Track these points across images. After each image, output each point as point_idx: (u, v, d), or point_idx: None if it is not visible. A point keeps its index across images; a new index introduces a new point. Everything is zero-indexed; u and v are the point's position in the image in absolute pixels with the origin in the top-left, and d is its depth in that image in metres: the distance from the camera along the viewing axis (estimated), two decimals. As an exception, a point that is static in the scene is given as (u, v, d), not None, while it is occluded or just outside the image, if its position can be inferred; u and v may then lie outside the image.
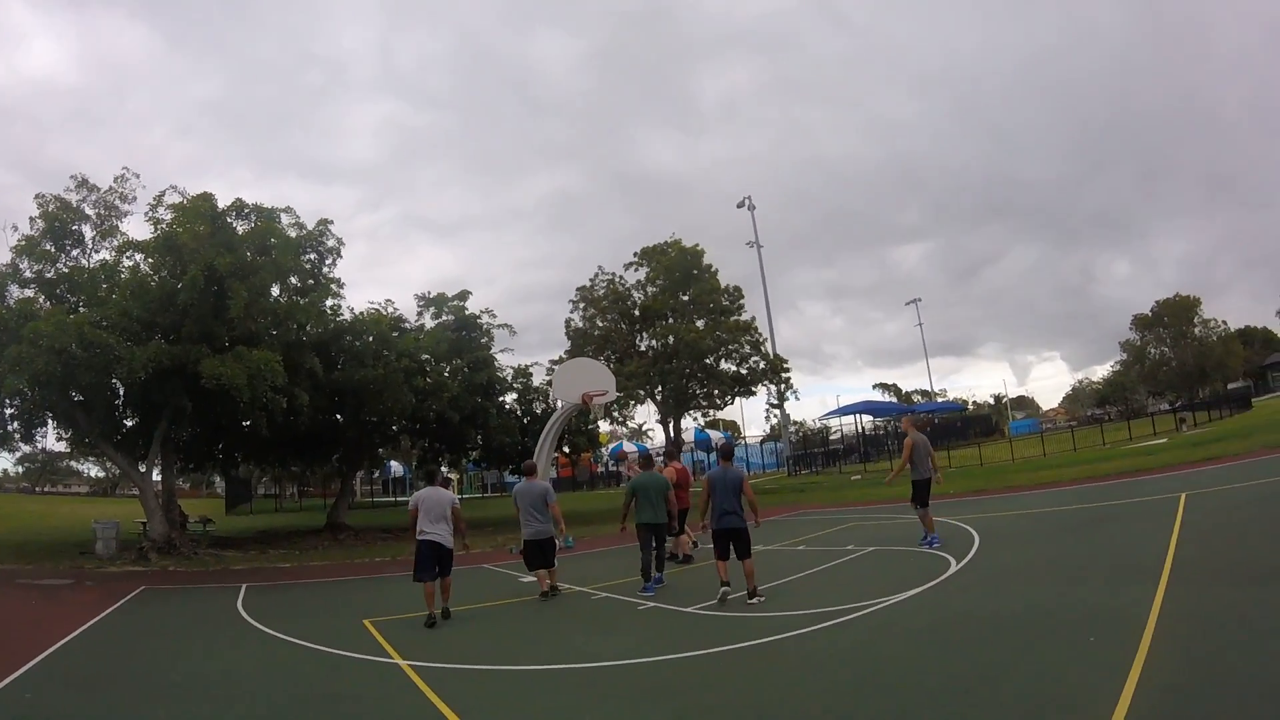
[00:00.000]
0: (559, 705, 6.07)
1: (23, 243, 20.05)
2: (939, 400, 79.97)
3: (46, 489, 77.98)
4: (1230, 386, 66.96)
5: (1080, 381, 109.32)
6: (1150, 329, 76.75)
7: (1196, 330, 74.16)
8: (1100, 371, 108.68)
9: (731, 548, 9.67)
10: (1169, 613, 6.61)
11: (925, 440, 13.80)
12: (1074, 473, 24.22)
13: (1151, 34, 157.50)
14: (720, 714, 5.49)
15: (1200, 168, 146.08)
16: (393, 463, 57.06)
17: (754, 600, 9.28)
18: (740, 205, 49.96)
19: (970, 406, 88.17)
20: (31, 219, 20.37)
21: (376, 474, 57.51)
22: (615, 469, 58.31)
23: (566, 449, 32.45)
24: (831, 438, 54.55)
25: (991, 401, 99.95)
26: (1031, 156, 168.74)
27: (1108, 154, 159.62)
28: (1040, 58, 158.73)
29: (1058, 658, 5.87)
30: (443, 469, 35.31)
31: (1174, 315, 74.02)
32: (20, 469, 78.69)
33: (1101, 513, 14.74)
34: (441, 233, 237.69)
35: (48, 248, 20.25)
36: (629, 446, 61.10)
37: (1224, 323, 75.75)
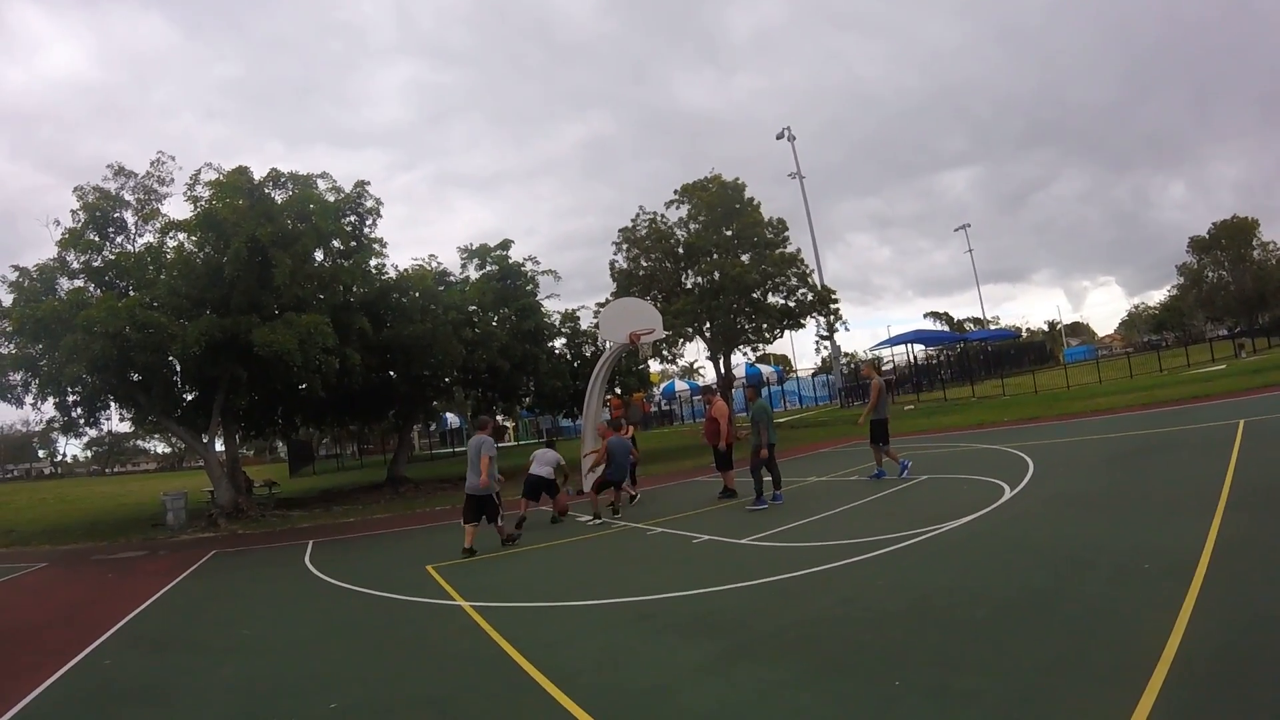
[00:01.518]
0: (614, 639, 6.25)
1: (67, 236, 20.45)
2: (992, 328, 78.63)
3: (116, 469, 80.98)
4: (1290, 312, 64.72)
5: (1136, 307, 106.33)
6: (1208, 252, 74.07)
7: (1255, 254, 71.37)
8: (1157, 297, 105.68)
9: None
10: (1225, 542, 6.49)
11: (883, 383, 15.29)
12: (1130, 400, 23.78)
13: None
14: (772, 643, 5.58)
15: (1256, 87, 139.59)
16: (448, 415, 58.06)
17: None
18: (780, 137, 49.14)
19: (1024, 334, 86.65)
20: (73, 211, 20.77)
21: (433, 427, 58.63)
22: (668, 408, 58.57)
23: (619, 390, 32.68)
24: (884, 368, 54.08)
25: (1045, 328, 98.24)
26: (1080, 78, 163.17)
27: (1159, 75, 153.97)
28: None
29: (1110, 588, 5.82)
30: (496, 416, 35.86)
31: (1231, 238, 71.24)
32: (89, 453, 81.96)
33: (1158, 440, 14.48)
34: (477, 188, 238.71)
35: (92, 237, 20.63)
36: (681, 385, 61.37)
37: (1284, 246, 72.86)
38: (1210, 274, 74.47)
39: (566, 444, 39.20)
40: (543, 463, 13.89)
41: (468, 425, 55.54)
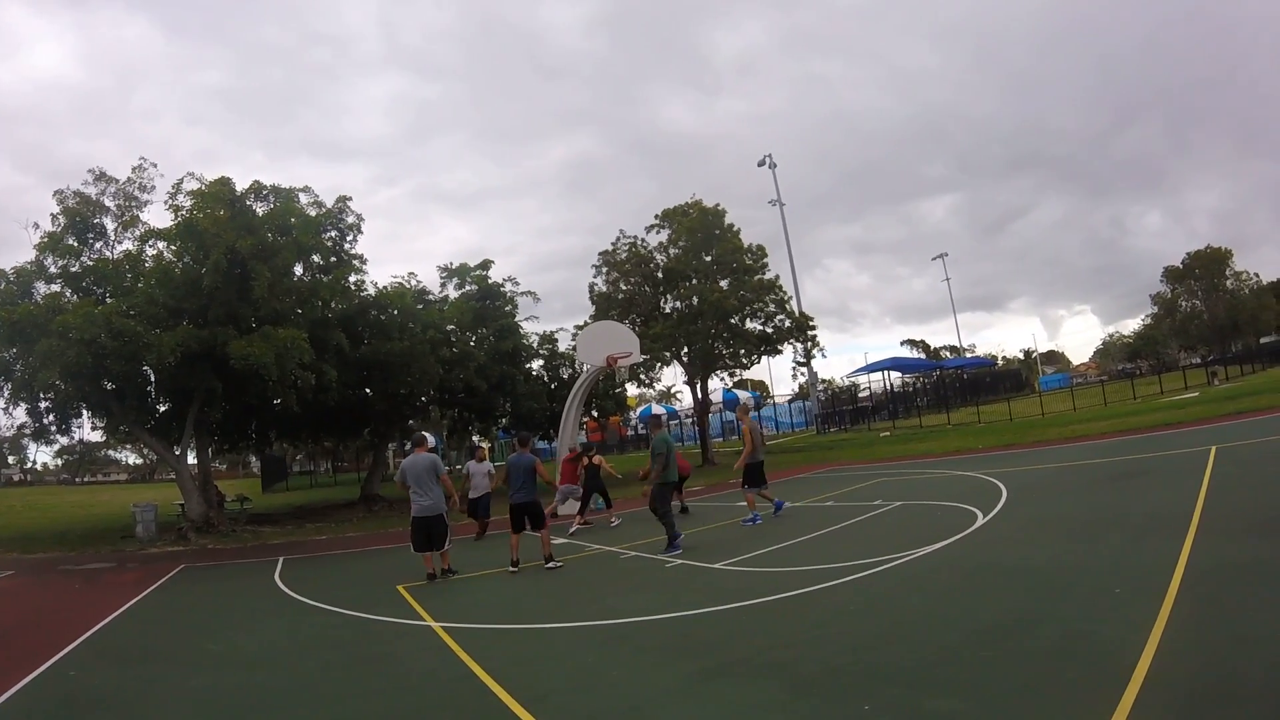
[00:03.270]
0: (587, 662, 6.19)
1: (46, 239, 20.24)
2: (968, 355, 79.30)
3: (86, 479, 79.76)
4: (1262, 340, 65.72)
5: (1111, 336, 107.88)
6: (1182, 281, 75.25)
7: (1229, 283, 72.62)
8: (1132, 325, 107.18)
9: None
10: (1196, 566, 6.56)
11: (758, 425, 15.28)
12: (1104, 427, 24.03)
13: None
14: (747, 667, 5.54)
15: (1233, 118, 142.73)
16: (424, 433, 57.67)
17: None
18: (761, 164, 49.58)
19: (1000, 362, 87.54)
20: (53, 215, 20.57)
21: (408, 445, 58.06)
22: (643, 432, 58.46)
23: (595, 413, 32.62)
24: (860, 395, 54.36)
25: (1021, 356, 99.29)
26: (1059, 107, 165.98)
27: (1138, 104, 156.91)
28: (1069, 5, 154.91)
29: (1083, 610, 5.86)
30: (472, 436, 35.65)
31: (1206, 267, 72.46)
32: (60, 461, 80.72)
33: (1131, 467, 14.60)
34: (459, 205, 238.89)
35: (71, 242, 20.42)
36: (658, 408, 61.33)
37: (1256, 275, 74.27)
38: (1184, 303, 75.64)
39: (544, 465, 39.07)
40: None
41: (444, 445, 55.12)
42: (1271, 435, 15.58)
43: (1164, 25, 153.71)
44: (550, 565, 10.80)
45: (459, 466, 54.85)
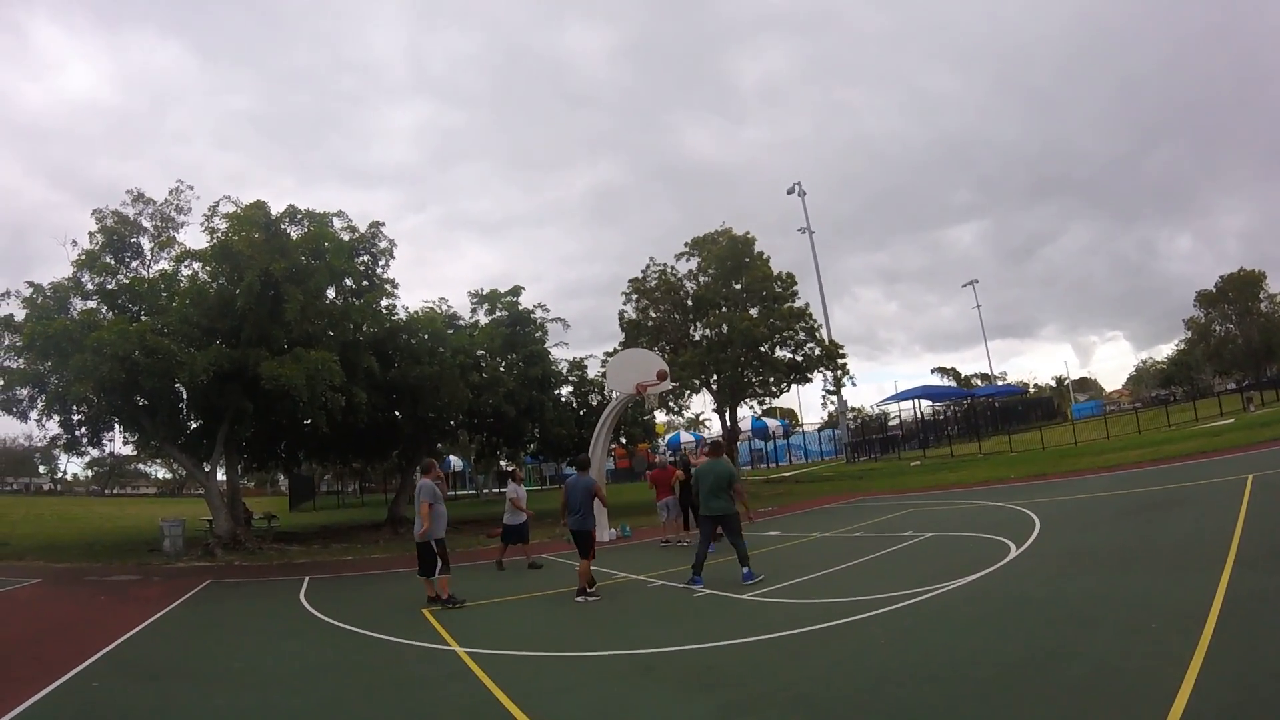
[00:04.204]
0: (611, 692, 6.13)
1: (83, 257, 20.65)
2: (999, 384, 78.40)
3: (115, 491, 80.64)
4: (1298, 365, 64.44)
5: (1144, 361, 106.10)
6: (1215, 305, 73.84)
7: (1263, 306, 71.07)
8: (1165, 351, 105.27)
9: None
10: (1233, 599, 6.41)
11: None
12: (1138, 455, 23.64)
13: (1210, 5, 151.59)
14: (770, 701, 5.46)
15: (1262, 138, 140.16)
16: (452, 457, 57.82)
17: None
18: (790, 191, 49.75)
19: (1031, 389, 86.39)
20: (91, 233, 20.99)
21: (417, 471, 58.22)
22: (673, 459, 58.13)
23: (623, 440, 32.55)
24: (890, 424, 53.89)
25: (1053, 384, 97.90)
26: (1085, 130, 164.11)
27: (1165, 126, 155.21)
28: (1091, 25, 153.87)
29: (1116, 646, 5.72)
30: (500, 460, 35.66)
31: (1239, 291, 71.04)
32: (90, 473, 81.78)
33: (1165, 496, 14.34)
34: (485, 231, 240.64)
35: (108, 260, 20.79)
36: (686, 436, 61.14)
37: (1291, 298, 72.68)
38: (1217, 327, 74.21)
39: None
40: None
41: (471, 469, 55.27)
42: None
43: (1187, 45, 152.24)
44: (579, 599, 10.39)
45: (487, 490, 55.36)
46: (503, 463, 35.62)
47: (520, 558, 14.84)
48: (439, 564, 10.65)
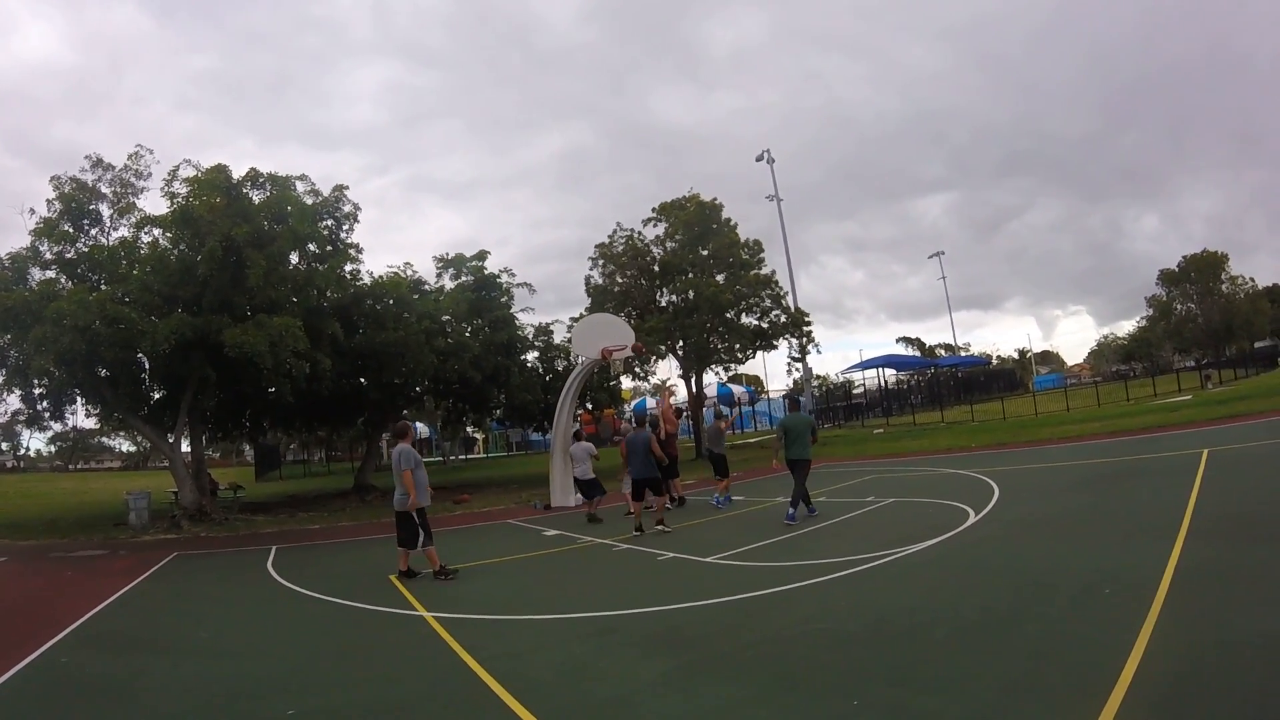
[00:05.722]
0: (575, 653, 6.21)
1: (41, 225, 20.16)
2: (963, 354, 79.42)
3: (79, 466, 79.39)
4: (1256, 345, 65.69)
5: (1106, 337, 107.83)
6: (1177, 285, 75.31)
7: (1224, 287, 72.60)
8: (1126, 327, 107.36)
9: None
10: (1185, 568, 6.60)
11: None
12: (1097, 428, 24.13)
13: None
14: (732, 660, 5.58)
15: (1230, 123, 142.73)
16: (418, 424, 57.65)
17: None
18: (759, 159, 49.36)
19: (994, 361, 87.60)
20: (49, 201, 20.50)
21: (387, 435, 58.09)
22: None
23: (589, 405, 32.62)
24: (854, 392, 54.47)
25: (1016, 356, 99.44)
26: (1058, 109, 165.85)
27: (1136, 107, 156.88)
28: (1067, 6, 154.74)
29: (1069, 611, 5.90)
30: (466, 427, 35.38)
31: (1201, 271, 72.52)
32: (53, 448, 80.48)
33: (1123, 468, 14.69)
34: (451, 194, 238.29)
35: (66, 228, 20.33)
36: (651, 402, 61.36)
37: (1251, 280, 74.08)
38: (1179, 306, 75.70)
39: (538, 457, 39.05)
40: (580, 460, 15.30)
41: (437, 436, 55.08)
42: (1264, 439, 15.69)
43: (1160, 27, 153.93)
44: (659, 528, 12.40)
45: (454, 456, 55.19)
46: (470, 429, 35.41)
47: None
48: (421, 535, 10.00)
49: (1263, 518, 8.49)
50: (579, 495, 17.26)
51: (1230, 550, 7.19)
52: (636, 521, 12.77)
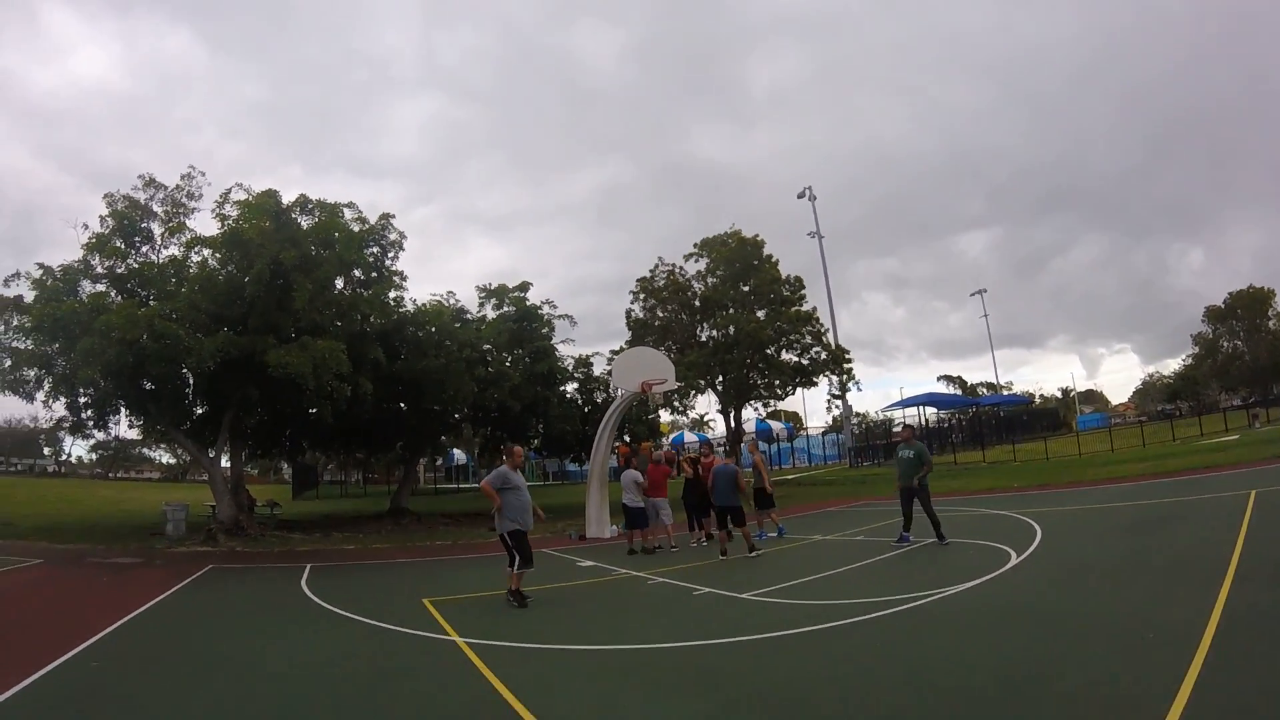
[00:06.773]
0: (606, 687, 6.16)
1: (93, 240, 20.78)
2: (1005, 393, 78.29)
3: (119, 475, 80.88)
4: (1305, 382, 64.28)
5: (1151, 375, 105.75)
6: (1223, 321, 73.85)
7: (1271, 324, 71.05)
8: (1172, 365, 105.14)
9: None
10: (1231, 614, 6.39)
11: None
12: (1142, 469, 23.57)
13: (1222, 18, 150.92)
14: (764, 701, 5.48)
15: (1275, 156, 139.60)
16: (455, 450, 57.90)
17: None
18: (801, 195, 49.58)
19: (1037, 400, 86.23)
20: (101, 217, 21.15)
21: (439, 461, 58.35)
22: (677, 458, 57.96)
23: (627, 438, 32.61)
24: (894, 430, 53.83)
25: (1059, 395, 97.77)
26: (1100, 145, 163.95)
27: (1178, 143, 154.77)
28: (1108, 44, 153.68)
29: (1112, 658, 5.72)
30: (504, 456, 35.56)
31: (1248, 308, 71.04)
32: (94, 456, 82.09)
33: (1168, 510, 14.33)
34: (492, 226, 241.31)
35: (118, 244, 20.90)
36: (690, 436, 61.16)
37: (1299, 316, 72.51)
38: (1225, 344, 74.13)
39: (574, 487, 39.02)
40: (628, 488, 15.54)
41: (475, 463, 55.22)
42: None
43: (1200, 61, 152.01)
44: (752, 555, 13.02)
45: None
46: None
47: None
48: (516, 558, 9.92)
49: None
50: (615, 528, 17.29)
51: (1278, 595, 6.95)
52: (722, 546, 13.56)
